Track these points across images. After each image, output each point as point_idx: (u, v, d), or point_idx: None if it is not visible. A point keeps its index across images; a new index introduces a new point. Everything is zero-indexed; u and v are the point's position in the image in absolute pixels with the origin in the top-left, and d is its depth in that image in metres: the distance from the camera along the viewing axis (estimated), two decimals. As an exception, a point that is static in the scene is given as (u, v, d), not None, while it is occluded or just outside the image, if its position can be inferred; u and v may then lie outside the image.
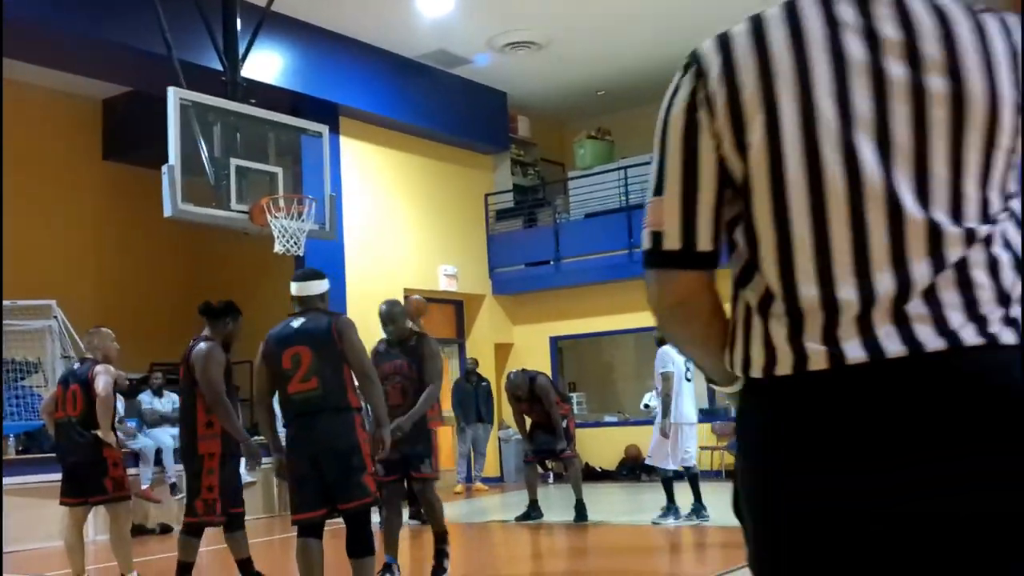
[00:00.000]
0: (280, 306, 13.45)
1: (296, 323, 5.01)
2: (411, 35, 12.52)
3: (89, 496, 6.35)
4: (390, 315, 6.61)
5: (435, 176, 14.10)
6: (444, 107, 13.81)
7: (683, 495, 8.54)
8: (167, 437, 10.36)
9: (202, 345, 5.86)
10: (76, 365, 6.52)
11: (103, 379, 6.26)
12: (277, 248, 8.72)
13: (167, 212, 8.60)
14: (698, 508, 8.51)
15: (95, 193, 14.11)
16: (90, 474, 6.27)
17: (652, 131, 1.52)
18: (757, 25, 1.40)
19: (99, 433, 6.24)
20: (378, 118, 13.06)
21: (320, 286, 5.33)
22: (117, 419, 7.43)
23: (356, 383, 4.98)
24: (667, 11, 12.15)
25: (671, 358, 8.30)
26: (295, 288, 5.27)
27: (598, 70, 14.11)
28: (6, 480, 9.16)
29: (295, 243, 8.85)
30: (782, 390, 1.33)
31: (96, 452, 6.26)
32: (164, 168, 8.56)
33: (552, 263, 14.38)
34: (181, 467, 10.20)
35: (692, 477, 8.59)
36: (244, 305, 14.93)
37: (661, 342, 8.38)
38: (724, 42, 1.41)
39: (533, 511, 9.37)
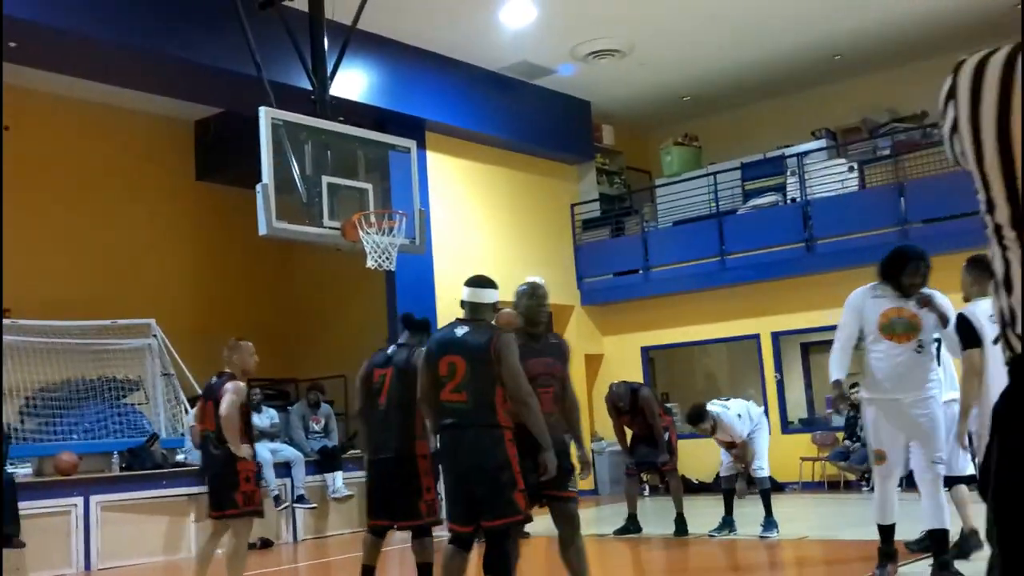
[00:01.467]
0: (372, 321, 13.64)
1: (460, 331, 4.93)
2: (494, 47, 12.52)
3: (217, 510, 6.37)
4: (537, 297, 5.70)
5: (520, 188, 14.07)
6: (528, 118, 13.78)
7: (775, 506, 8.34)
8: (266, 452, 10.47)
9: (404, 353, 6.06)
10: (214, 379, 6.53)
11: (227, 398, 6.26)
12: (369, 263, 8.76)
13: (262, 230, 8.70)
14: (729, 521, 8.65)
15: (190, 213, 14.42)
16: (222, 488, 6.31)
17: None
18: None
19: (231, 447, 6.24)
20: (463, 132, 13.09)
21: (491, 295, 5.21)
22: (256, 432, 7.49)
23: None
24: (748, 13, 11.96)
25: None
26: (466, 293, 5.17)
27: (682, 75, 13.94)
28: (110, 496, 9.35)
29: (387, 258, 8.88)
30: None
31: (229, 466, 6.28)
32: (258, 187, 8.67)
33: (641, 272, 14.22)
34: (280, 480, 10.40)
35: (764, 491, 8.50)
36: (337, 320, 15.19)
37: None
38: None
39: (632, 525, 9.24)
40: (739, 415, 8.47)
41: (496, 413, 4.75)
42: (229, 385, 6.33)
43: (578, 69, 13.36)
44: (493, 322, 5.29)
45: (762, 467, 8.49)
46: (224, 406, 6.23)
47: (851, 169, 12.98)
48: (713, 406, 8.54)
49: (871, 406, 5.80)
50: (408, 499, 5.79)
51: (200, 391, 11.38)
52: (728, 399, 8.81)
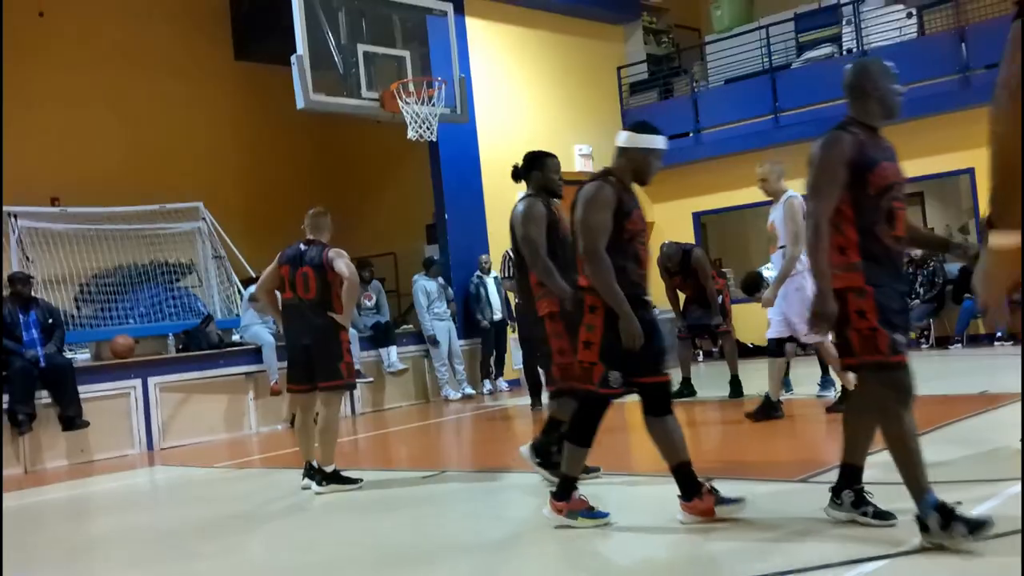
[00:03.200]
0: (416, 192, 13.47)
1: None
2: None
3: (321, 381, 5.96)
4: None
5: (564, 52, 13.64)
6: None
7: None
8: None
9: (519, 205, 5.48)
10: (302, 246, 6.07)
11: (345, 262, 5.93)
12: (411, 134, 8.59)
13: (299, 104, 8.54)
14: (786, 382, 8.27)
15: (231, 94, 14.24)
16: (325, 358, 5.94)
17: None
18: None
19: (336, 316, 5.94)
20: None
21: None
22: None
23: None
24: None
25: None
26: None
27: (732, -76, 13.28)
28: (168, 378, 9.48)
29: (428, 128, 8.70)
30: None
31: (333, 335, 5.95)
32: (293, 59, 8.47)
33: (692, 135, 13.83)
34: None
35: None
36: (381, 193, 15.04)
37: None
38: None
39: (687, 389, 9.14)
40: None
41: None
42: (334, 252, 5.97)
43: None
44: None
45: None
46: (347, 271, 5.89)
47: (909, 16, 12.37)
48: (766, 269, 8.30)
49: None
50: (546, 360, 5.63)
51: (252, 272, 11.48)
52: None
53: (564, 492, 4.32)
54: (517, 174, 5.84)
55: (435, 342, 11.21)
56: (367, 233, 14.10)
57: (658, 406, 4.28)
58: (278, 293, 6.30)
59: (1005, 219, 1.55)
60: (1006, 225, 1.54)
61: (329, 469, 5.99)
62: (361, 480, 6.01)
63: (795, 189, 7.03)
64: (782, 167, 7.22)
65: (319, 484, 5.95)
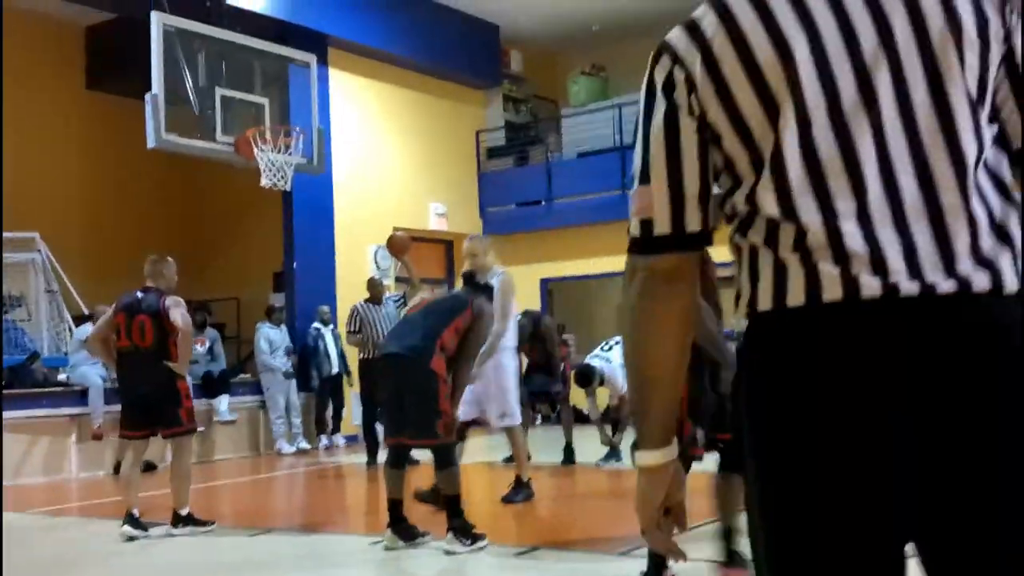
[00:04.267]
0: (267, 239, 13.31)
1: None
2: (402, -36, 12.17)
3: (161, 428, 6.09)
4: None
5: (426, 111, 13.81)
6: (435, 39, 13.48)
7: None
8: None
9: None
10: (139, 294, 6.11)
11: (180, 312, 6.03)
12: (264, 182, 8.53)
13: (150, 143, 8.39)
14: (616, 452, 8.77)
15: (80, 123, 13.78)
16: (163, 405, 6.02)
17: (646, 67, 1.41)
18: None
19: (172, 365, 6.00)
20: (368, 49, 12.74)
21: None
22: None
23: None
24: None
25: None
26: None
27: (592, 4, 13.78)
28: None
29: (282, 177, 8.65)
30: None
31: (171, 383, 6.02)
32: (147, 97, 8.33)
33: (544, 203, 14.15)
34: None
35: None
36: (230, 237, 14.80)
37: None
38: (692, 25, 1.39)
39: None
40: (622, 364, 8.49)
41: None
42: (172, 300, 6.07)
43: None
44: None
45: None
46: (181, 320, 5.99)
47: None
48: (596, 359, 8.58)
49: None
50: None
51: (86, 310, 11.09)
52: (611, 345, 8.81)
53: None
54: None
55: (289, 375, 11.03)
56: (213, 276, 13.81)
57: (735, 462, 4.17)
58: (114, 336, 6.24)
59: (646, 439, 1.45)
60: (649, 444, 1.45)
61: (184, 512, 6.06)
62: (214, 522, 6.07)
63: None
64: (490, 241, 7.48)
65: (174, 526, 5.99)
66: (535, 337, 9.15)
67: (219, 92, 8.72)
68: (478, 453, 10.46)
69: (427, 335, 5.14)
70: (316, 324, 11.33)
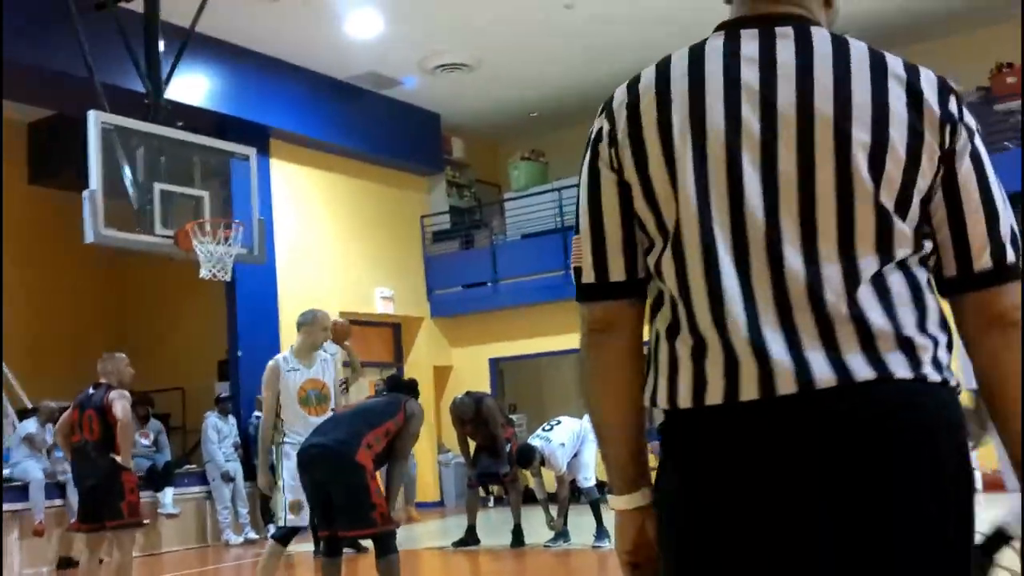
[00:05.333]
0: (210, 328, 13.27)
1: None
2: (341, 57, 12.42)
3: (108, 520, 6.32)
4: None
5: (370, 198, 13.98)
6: (377, 129, 13.71)
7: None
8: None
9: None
10: (91, 390, 6.52)
11: (121, 404, 6.33)
12: (203, 273, 8.57)
13: (88, 238, 8.42)
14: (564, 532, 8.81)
15: (22, 216, 13.74)
16: (107, 498, 6.30)
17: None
18: (664, 63, 1.43)
19: (117, 458, 6.29)
20: (310, 140, 12.93)
21: None
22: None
23: None
24: (596, 31, 12.19)
25: None
26: None
27: (530, 91, 14.11)
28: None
29: (222, 268, 8.70)
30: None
31: (114, 476, 6.29)
32: (85, 194, 8.39)
33: (490, 284, 14.31)
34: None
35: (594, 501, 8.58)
36: (174, 327, 14.74)
37: None
38: (632, 83, 1.44)
39: (471, 537, 9.25)
40: (562, 444, 8.57)
41: None
42: (116, 393, 6.38)
43: (427, 81, 13.37)
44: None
45: (588, 477, 8.66)
46: (120, 412, 6.28)
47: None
48: (537, 439, 8.66)
49: None
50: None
51: (29, 404, 10.98)
52: (552, 425, 8.86)
53: None
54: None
55: (229, 478, 10.93)
56: (157, 367, 13.71)
57: None
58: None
59: (611, 484, 1.49)
60: (614, 489, 1.49)
61: None
62: None
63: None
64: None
65: None
66: (478, 419, 9.21)
67: (158, 187, 8.80)
68: (431, 538, 10.42)
69: (352, 432, 5.24)
70: (257, 412, 11.27)
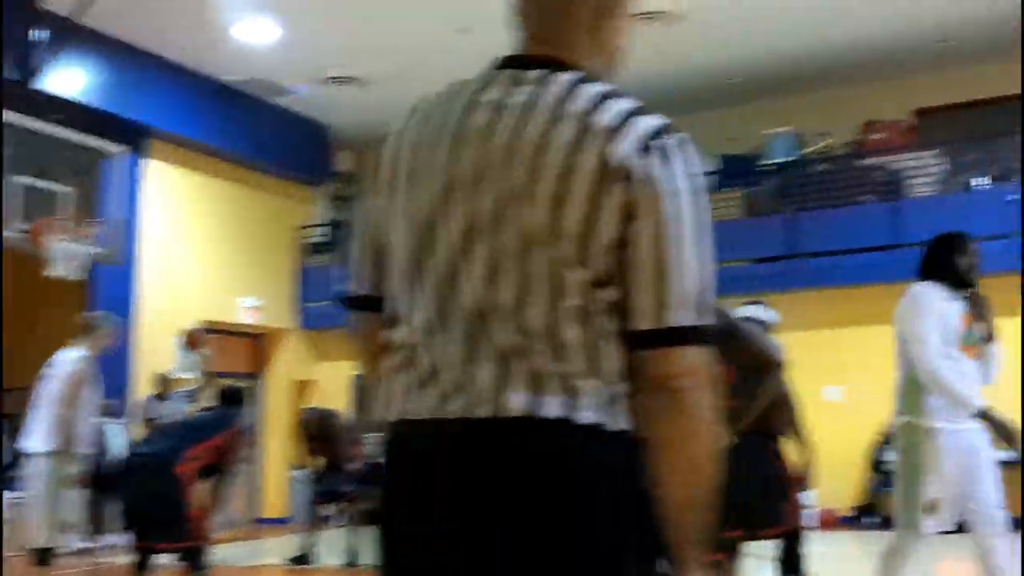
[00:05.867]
0: (69, 330, 12.92)
1: None
2: (230, 61, 12.31)
3: None
4: None
5: (250, 206, 13.84)
6: (263, 136, 13.60)
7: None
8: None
9: None
10: None
11: None
12: (55, 271, 8.43)
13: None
14: None
15: None
16: None
17: None
18: (430, 97, 1.57)
19: None
20: (192, 143, 12.75)
21: None
22: None
23: None
24: (489, 55, 12.29)
25: None
26: None
27: (419, 109, 14.17)
28: None
29: (78, 267, 8.58)
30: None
31: None
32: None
33: (362, 300, 14.26)
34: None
35: None
36: (30, 329, 14.33)
37: None
38: (410, 112, 1.58)
39: (309, 555, 9.23)
40: None
41: None
42: None
43: (317, 92, 13.34)
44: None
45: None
46: None
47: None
48: None
49: (939, 437, 4.35)
50: None
51: None
52: None
53: None
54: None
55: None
56: (9, 366, 13.32)
57: None
58: None
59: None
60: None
61: None
62: None
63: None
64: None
65: None
66: (324, 435, 9.20)
67: (18, 180, 8.64)
68: (275, 554, 10.37)
69: (177, 444, 5.23)
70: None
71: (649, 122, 1.40)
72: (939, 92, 13.31)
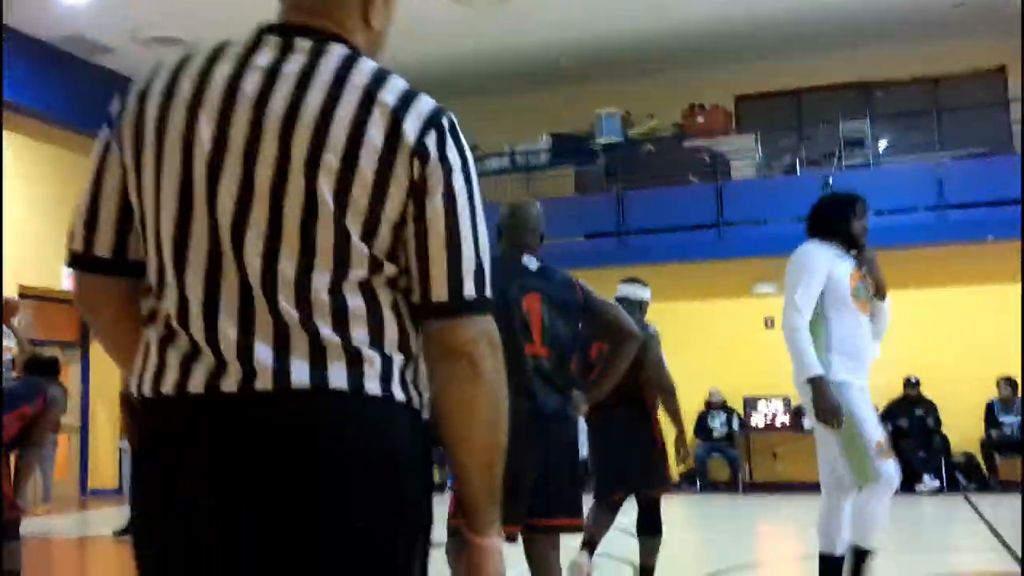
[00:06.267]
0: None
1: None
2: (47, 18, 11.78)
3: None
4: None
5: (70, 169, 13.25)
6: (82, 97, 13.02)
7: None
8: None
9: None
10: None
11: None
12: None
13: None
14: None
15: None
16: None
17: None
18: (186, 56, 1.46)
19: None
20: (8, 103, 12.11)
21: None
22: None
23: None
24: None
25: None
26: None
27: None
28: None
29: None
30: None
31: None
32: None
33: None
34: None
35: None
36: None
37: None
38: (155, 67, 1.48)
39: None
40: None
41: None
42: None
43: (139, 53, 12.86)
44: None
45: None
46: None
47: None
48: None
49: (851, 389, 4.39)
50: None
51: None
52: None
53: None
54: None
55: None
56: None
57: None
58: None
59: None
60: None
61: None
62: None
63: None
64: None
65: None
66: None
67: None
68: (104, 526, 10.09)
69: None
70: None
71: (428, 101, 1.41)
72: (757, 80, 13.99)
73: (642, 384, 5.24)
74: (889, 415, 11.59)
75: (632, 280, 5.68)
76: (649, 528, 5.34)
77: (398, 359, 1.40)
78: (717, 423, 12.41)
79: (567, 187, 13.94)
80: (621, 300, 5.32)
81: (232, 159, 1.36)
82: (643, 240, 12.54)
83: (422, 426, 1.43)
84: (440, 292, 1.40)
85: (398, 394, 1.38)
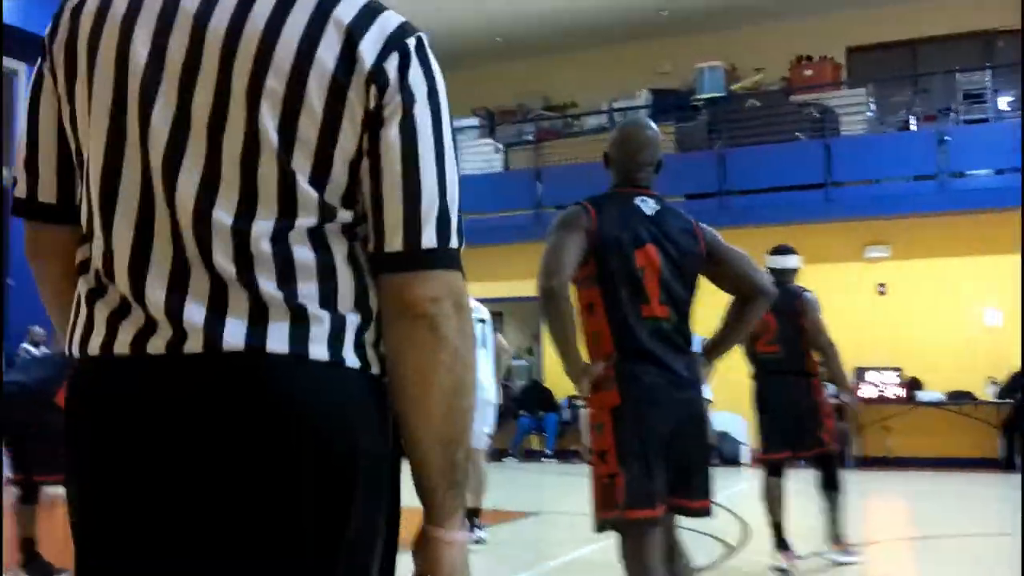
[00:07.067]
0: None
1: None
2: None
3: None
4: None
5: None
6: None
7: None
8: None
9: None
10: None
11: None
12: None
13: None
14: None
15: None
16: None
17: None
18: None
19: None
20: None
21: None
22: None
23: None
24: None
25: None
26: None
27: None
28: None
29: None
30: None
31: None
32: None
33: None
34: None
35: None
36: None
37: None
38: None
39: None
40: None
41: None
42: None
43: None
44: None
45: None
46: None
47: (497, 150, 13.41)
48: None
49: None
50: None
51: None
52: None
53: None
54: None
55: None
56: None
57: None
58: None
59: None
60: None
61: None
62: None
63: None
64: None
65: None
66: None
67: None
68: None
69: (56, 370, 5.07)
70: (26, 345, 10.65)
71: (392, 18, 1.21)
72: (869, 30, 13.35)
73: (804, 350, 5.44)
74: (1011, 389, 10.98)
75: (777, 250, 5.70)
76: (827, 485, 5.53)
77: (353, 319, 1.21)
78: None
79: (667, 145, 13.46)
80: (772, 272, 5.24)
81: (168, 84, 1.18)
82: (746, 201, 12.05)
83: (382, 392, 1.23)
84: (394, 241, 1.20)
85: (350, 359, 1.20)
